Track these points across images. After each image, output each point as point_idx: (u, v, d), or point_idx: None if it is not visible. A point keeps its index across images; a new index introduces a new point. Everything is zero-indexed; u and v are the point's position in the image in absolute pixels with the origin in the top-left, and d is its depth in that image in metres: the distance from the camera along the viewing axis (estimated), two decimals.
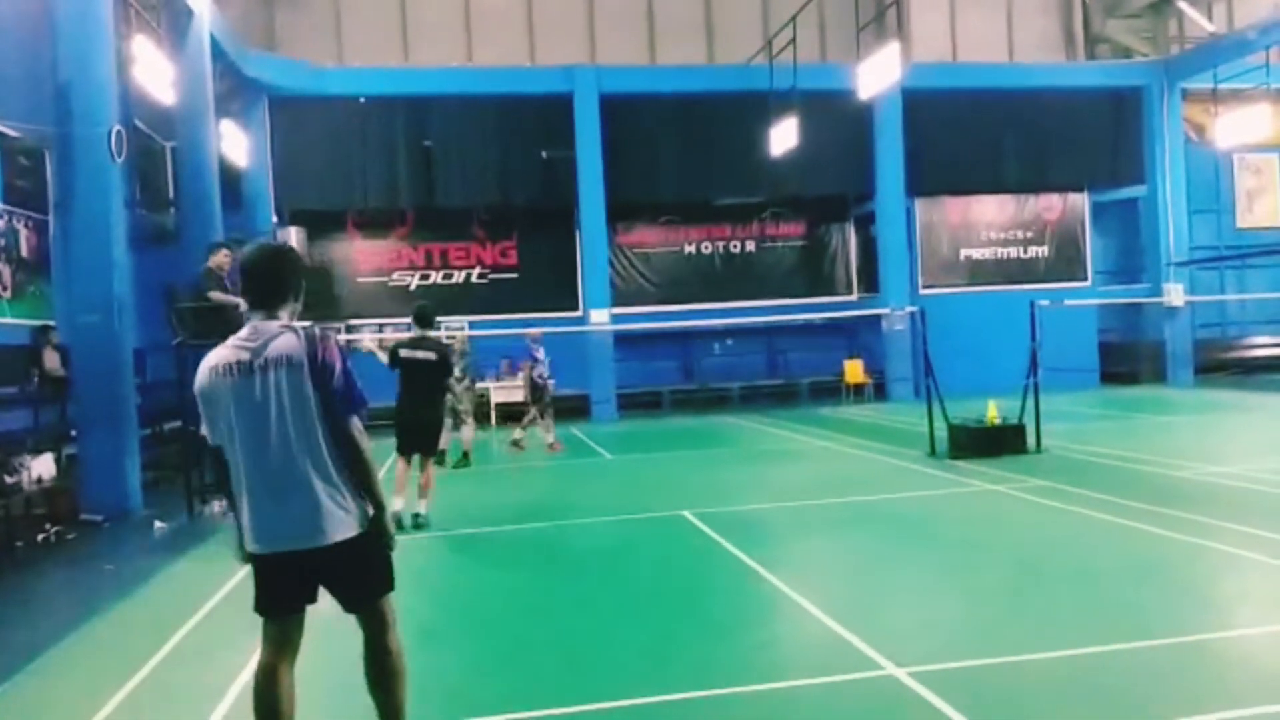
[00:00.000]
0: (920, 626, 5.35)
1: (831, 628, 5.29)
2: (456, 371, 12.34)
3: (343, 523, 3.41)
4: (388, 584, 3.64)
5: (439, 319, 10.26)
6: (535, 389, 14.27)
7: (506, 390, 19.89)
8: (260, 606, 3.50)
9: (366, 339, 8.18)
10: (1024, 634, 5.01)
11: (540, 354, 14.29)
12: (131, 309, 10.98)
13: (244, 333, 3.48)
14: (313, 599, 3.55)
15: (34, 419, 10.49)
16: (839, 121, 20.30)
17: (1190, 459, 10.64)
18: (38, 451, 9.38)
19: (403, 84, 19.92)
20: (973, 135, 21.41)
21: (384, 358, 8.84)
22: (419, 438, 8.66)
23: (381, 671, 3.64)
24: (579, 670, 4.85)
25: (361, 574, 3.55)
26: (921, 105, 20.72)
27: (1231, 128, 19.93)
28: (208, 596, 6.57)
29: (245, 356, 3.40)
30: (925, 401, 12.16)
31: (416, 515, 8.64)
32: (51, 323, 11.38)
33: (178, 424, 11.67)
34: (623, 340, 20.01)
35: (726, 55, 22.09)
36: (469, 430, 13.31)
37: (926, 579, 6.34)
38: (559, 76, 20.05)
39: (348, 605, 3.59)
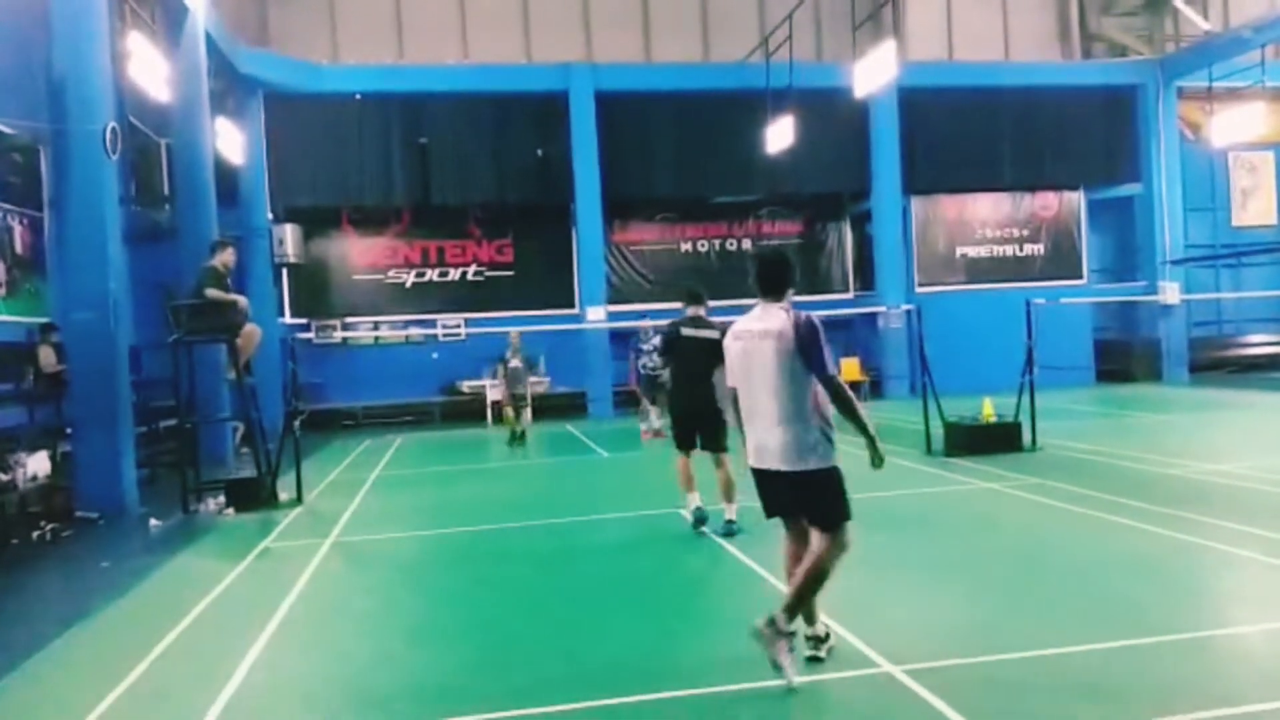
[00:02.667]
0: (916, 624, 5.35)
1: (828, 625, 5.28)
2: (516, 362, 14.77)
3: (806, 456, 4.46)
4: (839, 516, 4.55)
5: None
6: (649, 381, 14.57)
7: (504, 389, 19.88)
8: (764, 509, 4.79)
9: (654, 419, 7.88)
10: (1019, 631, 5.02)
11: (647, 345, 14.71)
12: (127, 306, 10.96)
13: (757, 311, 4.71)
14: (797, 512, 4.67)
15: (29, 416, 10.48)
16: (835, 120, 20.31)
17: (1185, 457, 10.66)
18: (33, 449, 9.36)
19: (398, 81, 19.89)
20: (969, 133, 21.44)
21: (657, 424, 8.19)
22: (699, 424, 7.71)
23: (805, 570, 4.51)
24: (576, 668, 4.85)
25: (812, 500, 4.54)
26: (917, 103, 20.74)
27: (1227, 126, 19.96)
28: (203, 594, 6.55)
29: (754, 327, 4.64)
30: (921, 399, 12.18)
31: (730, 523, 7.53)
32: (50, 320, 11.37)
33: (173, 421, 11.64)
34: (619, 338, 19.96)
35: (722, 53, 22.08)
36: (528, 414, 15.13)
37: (922, 577, 6.34)
38: (555, 74, 20.04)
39: (811, 522, 4.59)
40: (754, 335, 4.60)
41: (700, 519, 7.74)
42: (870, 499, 9.16)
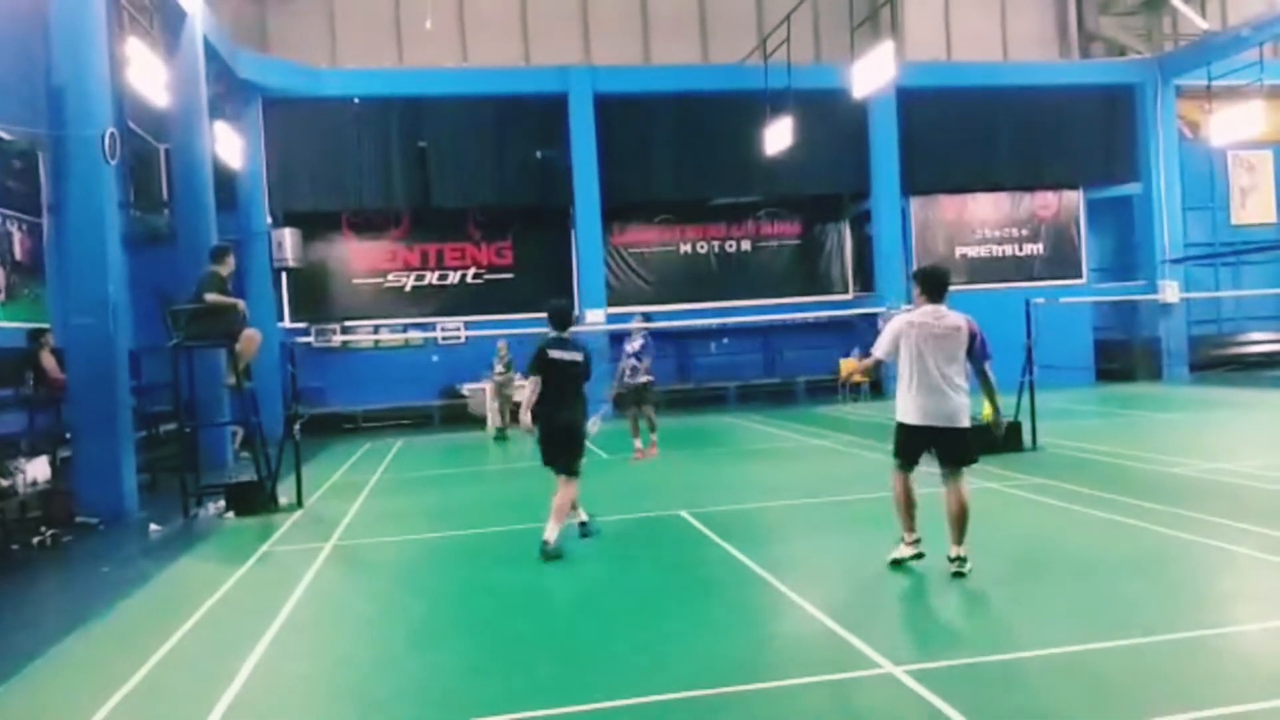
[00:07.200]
0: (918, 625, 5.35)
1: (829, 626, 5.29)
2: (501, 368, 16.36)
3: (963, 417, 6.06)
4: (971, 459, 6.28)
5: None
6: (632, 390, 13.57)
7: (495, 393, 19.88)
8: (902, 457, 6.33)
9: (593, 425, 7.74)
10: (1021, 631, 5.02)
11: (632, 346, 13.60)
12: (126, 311, 10.95)
13: (930, 309, 6.14)
14: (918, 460, 6.27)
15: (29, 422, 10.47)
16: (834, 121, 20.32)
17: (1186, 455, 10.66)
18: (33, 454, 9.35)
19: (397, 85, 19.91)
20: (967, 134, 21.45)
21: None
22: (560, 447, 7.67)
23: (956, 509, 6.11)
24: (577, 670, 4.85)
25: (963, 449, 6.16)
26: (916, 104, 20.75)
27: (1225, 124, 19.98)
28: (204, 598, 6.54)
29: (930, 321, 6.10)
30: None
31: (546, 544, 7.29)
32: (47, 326, 11.36)
33: (173, 426, 11.64)
34: (618, 340, 19.96)
35: (721, 55, 22.10)
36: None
37: (924, 577, 6.34)
38: (554, 77, 20.05)
39: (946, 463, 6.17)
40: (938, 326, 6.04)
41: (595, 531, 7.95)
42: (871, 499, 9.16)
